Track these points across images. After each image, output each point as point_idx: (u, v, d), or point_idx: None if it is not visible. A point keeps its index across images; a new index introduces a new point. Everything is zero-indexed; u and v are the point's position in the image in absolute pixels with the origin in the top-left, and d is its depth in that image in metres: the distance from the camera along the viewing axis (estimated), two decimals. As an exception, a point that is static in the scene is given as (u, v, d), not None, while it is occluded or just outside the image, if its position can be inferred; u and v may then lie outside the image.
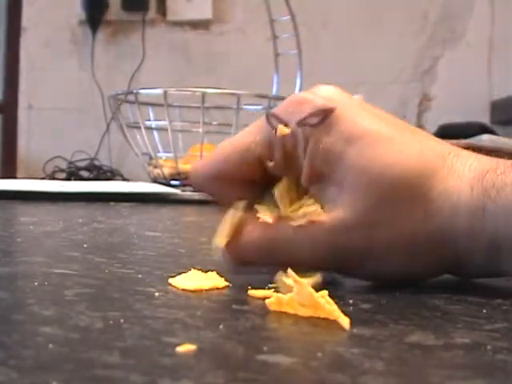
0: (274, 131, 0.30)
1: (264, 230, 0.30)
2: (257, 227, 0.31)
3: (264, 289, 0.28)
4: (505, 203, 0.28)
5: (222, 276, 0.30)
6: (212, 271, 0.31)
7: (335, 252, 0.30)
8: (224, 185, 0.33)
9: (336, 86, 0.32)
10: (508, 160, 0.30)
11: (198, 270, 0.31)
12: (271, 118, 0.31)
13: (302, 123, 0.30)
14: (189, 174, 0.34)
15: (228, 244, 0.31)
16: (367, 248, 0.29)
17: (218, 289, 0.28)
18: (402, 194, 0.29)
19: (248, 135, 0.32)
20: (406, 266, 0.30)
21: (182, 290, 0.28)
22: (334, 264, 0.30)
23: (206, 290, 0.28)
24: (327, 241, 0.29)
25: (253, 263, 0.31)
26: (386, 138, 0.30)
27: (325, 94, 0.31)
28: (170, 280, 0.29)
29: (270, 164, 0.31)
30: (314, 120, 0.30)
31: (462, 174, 0.29)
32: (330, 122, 0.30)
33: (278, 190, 0.31)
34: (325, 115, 0.30)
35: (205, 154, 1.00)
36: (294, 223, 0.30)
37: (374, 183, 0.29)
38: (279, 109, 0.31)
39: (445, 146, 0.31)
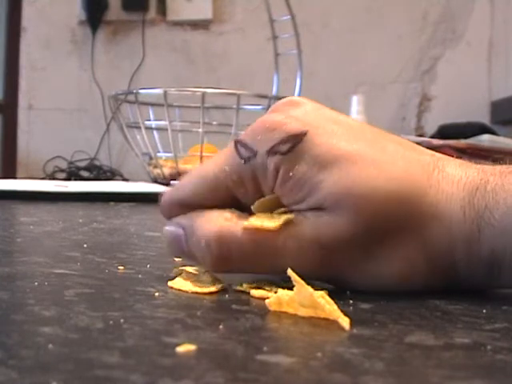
0: (243, 161, 0.29)
1: (252, 233, 0.28)
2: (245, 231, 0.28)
3: (263, 288, 0.28)
4: (500, 224, 0.27)
5: (220, 277, 0.30)
6: (209, 272, 0.31)
7: (323, 264, 0.28)
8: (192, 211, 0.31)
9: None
10: (495, 166, 0.29)
11: (197, 269, 0.31)
12: (239, 147, 0.29)
13: (271, 152, 0.28)
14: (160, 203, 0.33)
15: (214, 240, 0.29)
16: (358, 269, 0.28)
17: (215, 292, 0.28)
18: (390, 219, 0.28)
19: (217, 164, 0.30)
20: (402, 285, 0.29)
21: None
22: (323, 275, 0.29)
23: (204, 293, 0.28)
24: (315, 251, 0.28)
25: (238, 267, 0.29)
26: (366, 159, 0.28)
27: (296, 113, 0.29)
28: (170, 283, 0.29)
29: (241, 194, 0.30)
30: (284, 148, 0.28)
31: (450, 195, 0.28)
32: (301, 149, 0.28)
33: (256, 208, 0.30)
34: (296, 141, 0.28)
35: (205, 154, 1.00)
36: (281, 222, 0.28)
37: (358, 210, 0.27)
38: (248, 135, 0.29)
39: (428, 158, 0.30)
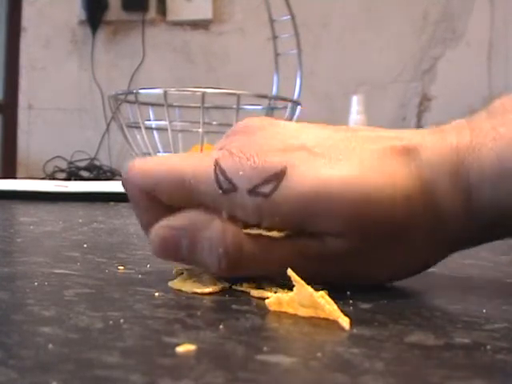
0: (220, 192, 0.28)
1: (260, 240, 0.28)
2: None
3: (263, 288, 0.28)
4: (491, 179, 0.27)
5: (220, 277, 0.30)
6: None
7: (327, 272, 0.29)
8: (152, 203, 0.31)
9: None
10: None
11: (197, 269, 0.31)
12: (219, 174, 0.28)
13: (253, 192, 0.27)
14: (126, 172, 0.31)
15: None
16: (359, 275, 0.30)
17: (215, 292, 0.28)
18: (374, 215, 0.27)
19: (195, 175, 0.29)
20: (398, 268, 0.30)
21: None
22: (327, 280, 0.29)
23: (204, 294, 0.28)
24: (318, 265, 0.28)
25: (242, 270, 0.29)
26: (347, 181, 0.27)
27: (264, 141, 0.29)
28: (170, 283, 0.29)
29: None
30: (267, 189, 0.27)
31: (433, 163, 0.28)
32: (282, 190, 0.27)
33: None
34: (277, 181, 0.27)
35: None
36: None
37: (351, 231, 0.27)
38: (229, 164, 0.28)
39: (398, 142, 0.29)
